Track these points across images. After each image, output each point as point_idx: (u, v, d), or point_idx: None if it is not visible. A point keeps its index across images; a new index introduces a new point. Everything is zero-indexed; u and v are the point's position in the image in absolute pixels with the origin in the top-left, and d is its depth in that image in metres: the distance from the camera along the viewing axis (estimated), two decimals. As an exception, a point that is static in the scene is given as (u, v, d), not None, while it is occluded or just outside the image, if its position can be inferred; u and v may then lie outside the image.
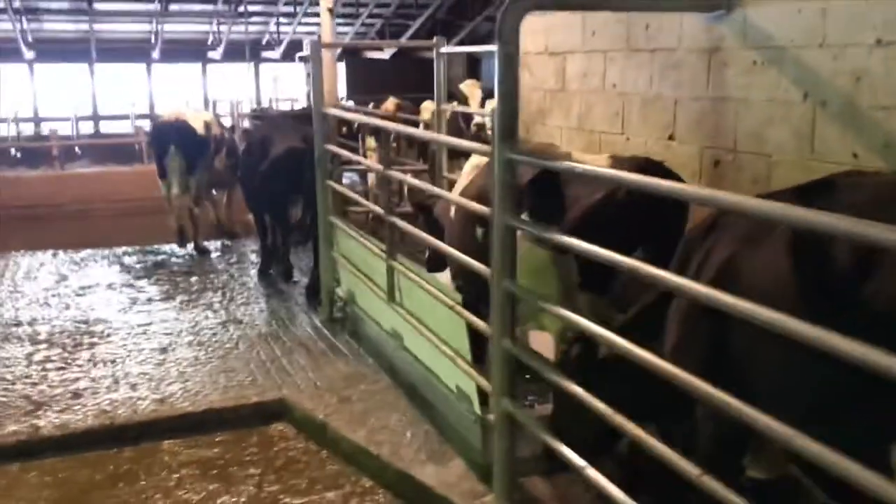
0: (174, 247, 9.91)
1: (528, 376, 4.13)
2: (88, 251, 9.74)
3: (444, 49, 7.18)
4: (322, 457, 4.95)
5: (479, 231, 4.64)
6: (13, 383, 5.78)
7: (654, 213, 3.66)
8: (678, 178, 3.81)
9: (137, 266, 9.09)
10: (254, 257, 9.28)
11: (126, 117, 19.67)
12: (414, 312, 5.20)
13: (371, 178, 10.19)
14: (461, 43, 20.06)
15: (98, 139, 19.12)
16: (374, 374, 5.79)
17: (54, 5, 17.28)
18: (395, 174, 5.18)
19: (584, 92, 5.01)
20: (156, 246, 10.00)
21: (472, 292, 4.43)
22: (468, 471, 4.45)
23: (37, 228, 11.40)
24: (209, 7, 18.01)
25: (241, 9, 15.93)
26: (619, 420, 3.04)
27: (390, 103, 10.92)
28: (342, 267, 6.74)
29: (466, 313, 4.31)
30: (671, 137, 4.29)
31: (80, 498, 4.51)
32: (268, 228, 8.27)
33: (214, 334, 6.72)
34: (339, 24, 19.96)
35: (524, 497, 4.06)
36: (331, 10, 10.19)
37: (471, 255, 4.16)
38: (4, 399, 5.51)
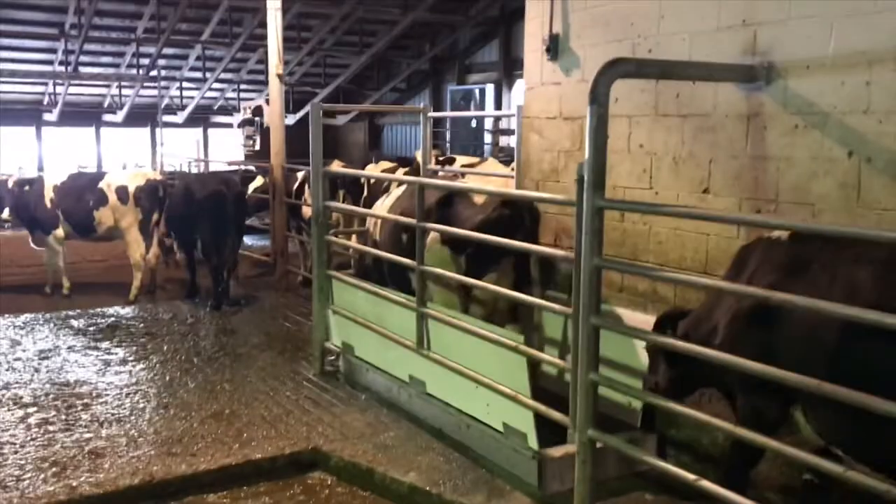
0: (118, 308, 9.70)
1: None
2: (28, 315, 9.31)
3: (431, 114, 7.60)
4: (373, 500, 5.07)
5: (405, 236, 6.20)
6: (21, 446, 5.55)
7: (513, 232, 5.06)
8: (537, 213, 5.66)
9: (91, 329, 8.79)
10: (202, 316, 9.26)
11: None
12: (449, 357, 5.47)
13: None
14: (365, 111, 20.63)
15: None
16: (395, 422, 5.95)
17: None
18: (432, 226, 5.49)
19: (605, 152, 5.53)
20: (99, 309, 9.69)
21: (400, 283, 6.16)
22: (532, 502, 4.72)
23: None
24: (111, 70, 17.74)
25: (154, 72, 15.83)
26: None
27: (336, 165, 11.19)
28: (338, 320, 6.91)
29: (539, 353, 4.66)
30: (706, 191, 4.86)
31: (147, 552, 4.44)
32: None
33: (211, 392, 6.67)
34: (244, 91, 20.13)
35: (599, 521, 4.37)
36: (280, 76, 10.41)
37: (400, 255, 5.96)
38: (21, 462, 5.30)
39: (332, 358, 7.20)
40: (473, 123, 17.24)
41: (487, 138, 16.76)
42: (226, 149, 19.92)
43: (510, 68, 16.94)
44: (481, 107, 16.96)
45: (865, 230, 3.51)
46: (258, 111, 14.64)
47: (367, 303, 6.47)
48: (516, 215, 5.39)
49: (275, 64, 10.44)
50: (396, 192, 6.43)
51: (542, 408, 4.63)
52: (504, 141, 16.77)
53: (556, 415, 4.52)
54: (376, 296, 6.27)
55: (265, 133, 12.33)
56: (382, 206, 6.41)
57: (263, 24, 10.73)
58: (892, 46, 3.86)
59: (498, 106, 16.82)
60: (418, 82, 19.93)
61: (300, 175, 11.85)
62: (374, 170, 10.74)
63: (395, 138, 20.89)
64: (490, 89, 16.92)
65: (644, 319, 4.84)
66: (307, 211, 11.35)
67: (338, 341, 7.03)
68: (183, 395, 6.60)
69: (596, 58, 5.56)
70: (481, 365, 5.16)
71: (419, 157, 9.16)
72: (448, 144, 18.24)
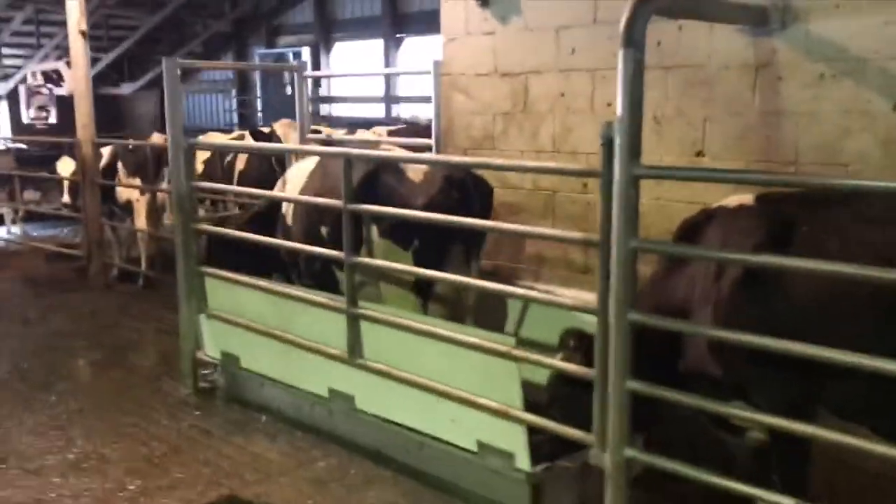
0: None
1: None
2: None
3: (308, 73, 6.45)
4: (325, 555, 4.05)
5: (325, 229, 5.07)
6: None
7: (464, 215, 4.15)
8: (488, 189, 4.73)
9: None
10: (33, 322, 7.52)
11: None
12: (396, 366, 4.51)
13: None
14: (156, 79, 18.49)
15: None
16: (318, 448, 4.91)
17: None
18: (362, 207, 4.45)
19: (559, 112, 4.77)
20: None
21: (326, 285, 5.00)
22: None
23: None
24: None
25: None
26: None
27: (158, 138, 9.61)
28: (214, 325, 5.68)
29: (542, 358, 3.82)
30: (700, 154, 4.24)
31: None
32: None
33: (61, 430, 5.21)
34: (5, 56, 17.30)
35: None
36: (84, 34, 8.64)
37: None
38: None
39: (207, 372, 5.95)
40: (288, 91, 15.86)
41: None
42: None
43: (327, 30, 15.72)
44: (297, 72, 15.61)
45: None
46: (54, 77, 12.39)
47: (262, 303, 5.32)
48: (466, 194, 4.48)
49: (76, 19, 8.65)
50: (302, 168, 5.27)
51: (550, 424, 3.82)
52: (325, 109, 15.62)
53: (574, 432, 3.72)
54: (278, 295, 5.14)
55: (63, 103, 10.35)
56: (291, 187, 5.22)
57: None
58: (950, -20, 3.39)
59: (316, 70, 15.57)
60: (218, 46, 18.10)
61: (106, 151, 10.08)
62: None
63: (197, 109, 18.89)
64: (307, 53, 15.62)
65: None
66: (123, 193, 9.69)
67: (214, 352, 5.80)
68: (22, 439, 5.10)
69: (544, 0, 4.77)
70: (446, 373, 4.25)
71: (279, 128, 7.89)
72: (260, 115, 16.75)
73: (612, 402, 3.43)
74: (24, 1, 15.05)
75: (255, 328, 5.32)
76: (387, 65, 14.35)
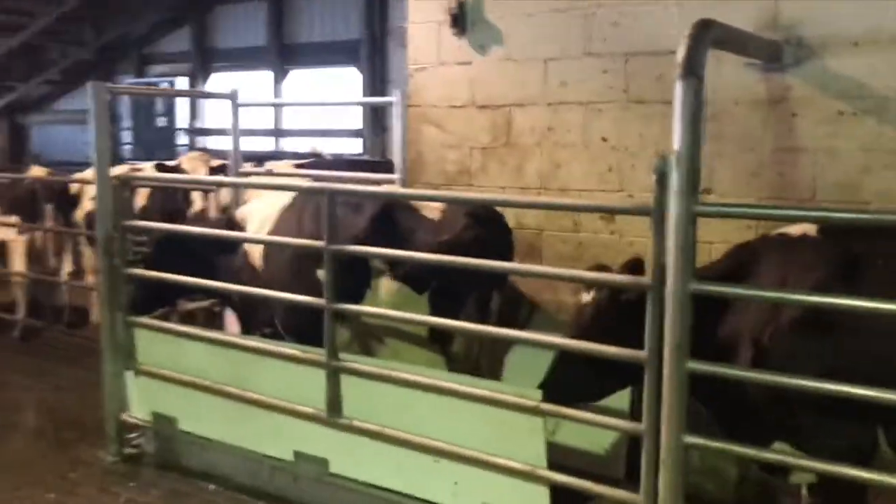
0: None
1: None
2: None
3: (243, 103, 5.92)
4: None
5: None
6: None
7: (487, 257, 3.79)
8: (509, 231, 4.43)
9: None
10: None
11: None
12: (385, 424, 4.07)
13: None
14: (8, 107, 17.04)
15: None
16: (285, 519, 4.37)
17: None
18: (348, 248, 4.01)
19: (547, 147, 4.54)
20: None
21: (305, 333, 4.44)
22: None
23: None
24: None
25: None
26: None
27: (38, 171, 8.61)
28: (144, 383, 5.02)
29: (576, 412, 3.50)
30: (707, 192, 4.10)
31: None
32: None
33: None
34: None
35: None
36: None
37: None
38: None
39: (133, 435, 5.25)
40: (159, 122, 14.94)
41: (183, 140, 14.65)
42: None
43: (205, 59, 14.95)
44: (171, 103, 14.74)
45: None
46: None
47: (209, 358, 4.75)
48: (491, 235, 4.11)
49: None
50: (270, 204, 4.73)
51: (586, 484, 3.50)
52: (200, 142, 14.79)
53: (614, 492, 3.42)
54: (233, 347, 4.59)
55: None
56: (258, 226, 4.66)
57: None
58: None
59: (193, 102, 14.75)
60: (80, 74, 16.81)
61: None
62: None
63: (50, 142, 17.39)
64: (183, 83, 14.78)
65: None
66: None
67: (143, 412, 5.12)
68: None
69: (530, 30, 4.55)
70: (449, 431, 3.87)
71: (186, 162, 7.16)
72: (128, 148, 15.66)
73: (665, 459, 3.19)
74: None
75: (201, 385, 4.73)
76: (275, 96, 13.78)
